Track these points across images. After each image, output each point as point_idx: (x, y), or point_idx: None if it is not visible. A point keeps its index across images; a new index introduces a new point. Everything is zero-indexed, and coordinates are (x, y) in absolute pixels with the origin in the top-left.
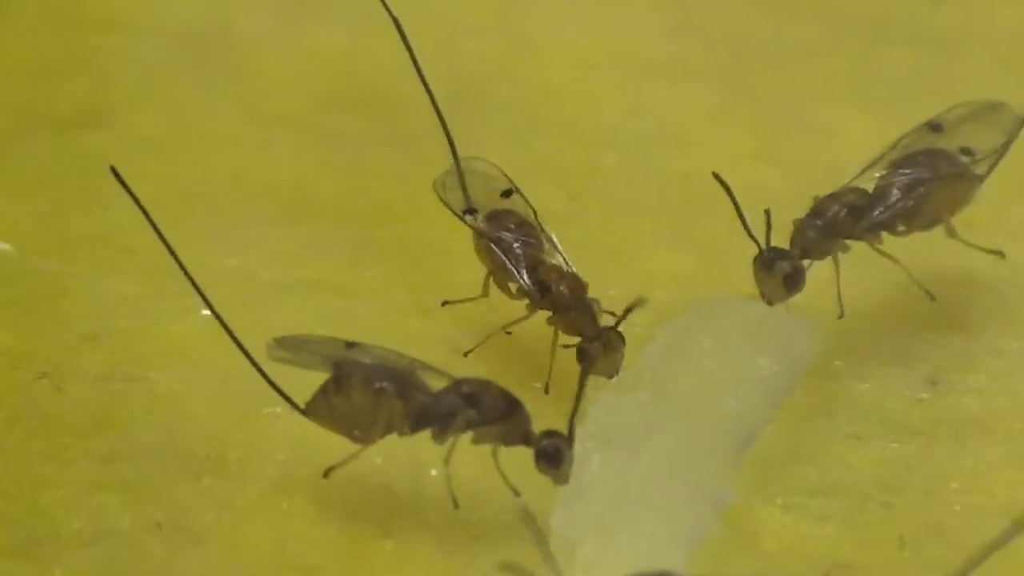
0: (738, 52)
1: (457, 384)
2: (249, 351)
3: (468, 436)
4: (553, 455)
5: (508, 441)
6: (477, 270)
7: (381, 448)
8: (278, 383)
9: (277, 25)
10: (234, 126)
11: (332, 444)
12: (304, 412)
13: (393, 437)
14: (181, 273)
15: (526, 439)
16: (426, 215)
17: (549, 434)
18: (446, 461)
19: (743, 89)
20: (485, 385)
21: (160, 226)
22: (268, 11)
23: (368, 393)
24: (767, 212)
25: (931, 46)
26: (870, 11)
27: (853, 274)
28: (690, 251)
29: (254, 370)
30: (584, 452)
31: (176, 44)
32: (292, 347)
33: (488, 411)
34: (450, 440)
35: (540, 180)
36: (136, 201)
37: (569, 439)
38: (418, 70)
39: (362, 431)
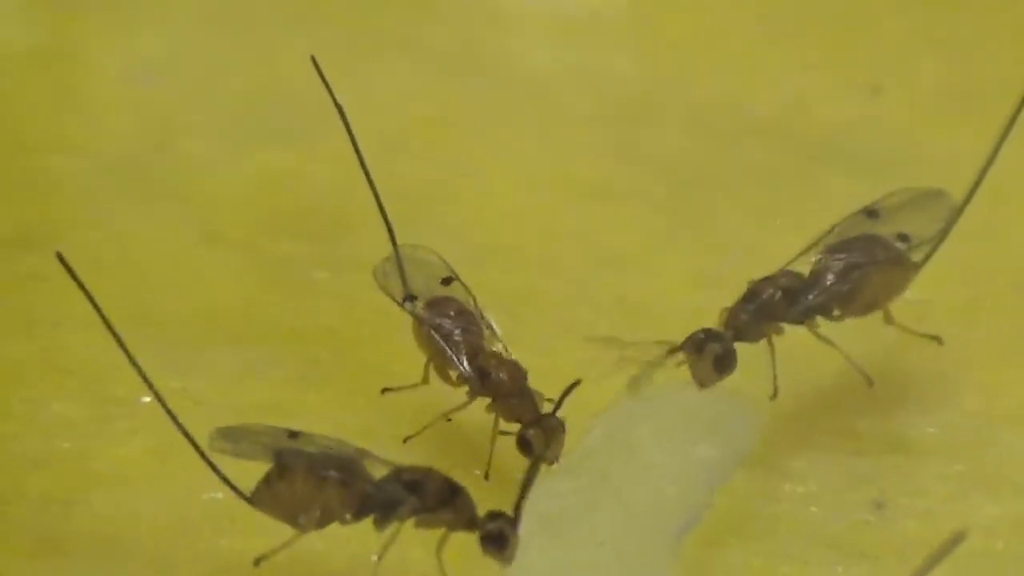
0: (677, 175)
1: (398, 472)
2: (193, 444)
3: (411, 522)
4: (498, 539)
5: (453, 527)
6: (423, 391)
7: (323, 534)
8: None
9: (220, 148)
10: (177, 248)
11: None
12: (249, 500)
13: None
14: (124, 396)
15: (470, 524)
16: (371, 338)
17: (493, 517)
18: (380, 555)
19: (682, 212)
20: (426, 473)
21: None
22: (211, 134)
23: (311, 481)
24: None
25: (870, 170)
26: (808, 134)
27: (795, 388)
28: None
29: (198, 492)
30: (526, 538)
31: (118, 165)
32: (234, 438)
33: (430, 498)
34: (391, 528)
35: (479, 302)
36: (81, 286)
37: (514, 521)
38: (359, 154)
39: (305, 519)
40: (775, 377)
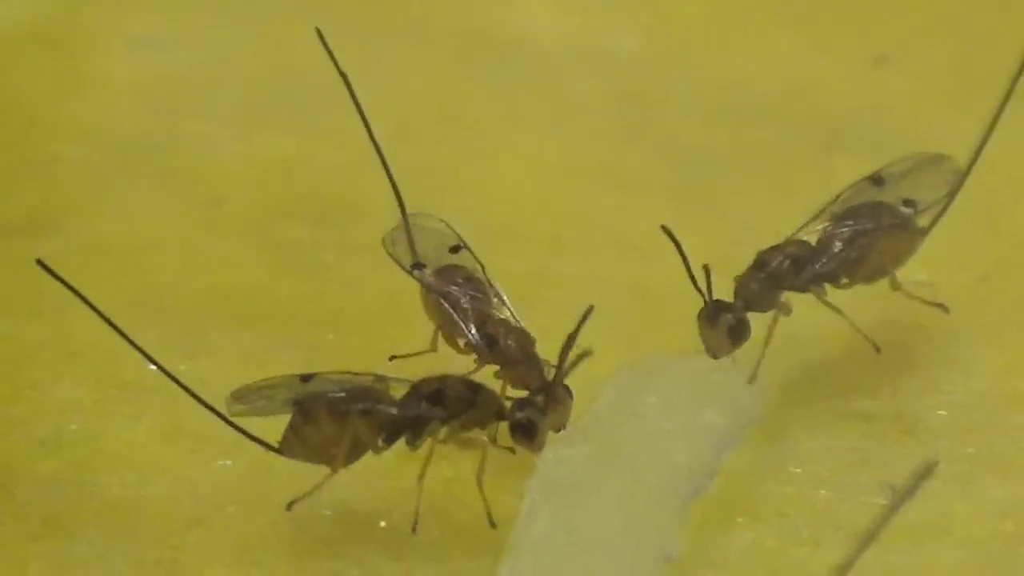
0: (690, 159)
1: (417, 388)
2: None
3: (443, 438)
4: (527, 427)
5: (484, 424)
6: (431, 359)
7: (330, 502)
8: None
9: (227, 130)
10: (184, 231)
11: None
12: (279, 451)
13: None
14: (132, 378)
15: (499, 415)
16: (378, 321)
17: (522, 405)
18: (420, 477)
19: (696, 196)
20: (443, 380)
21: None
22: (218, 118)
23: (335, 419)
24: (706, 268)
25: (879, 151)
26: (821, 119)
27: (804, 371)
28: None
29: (204, 471)
30: (532, 504)
31: (126, 150)
32: (248, 398)
33: (454, 403)
34: (426, 446)
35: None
36: (66, 284)
37: (543, 408)
38: (364, 120)
39: (338, 456)
40: (762, 357)
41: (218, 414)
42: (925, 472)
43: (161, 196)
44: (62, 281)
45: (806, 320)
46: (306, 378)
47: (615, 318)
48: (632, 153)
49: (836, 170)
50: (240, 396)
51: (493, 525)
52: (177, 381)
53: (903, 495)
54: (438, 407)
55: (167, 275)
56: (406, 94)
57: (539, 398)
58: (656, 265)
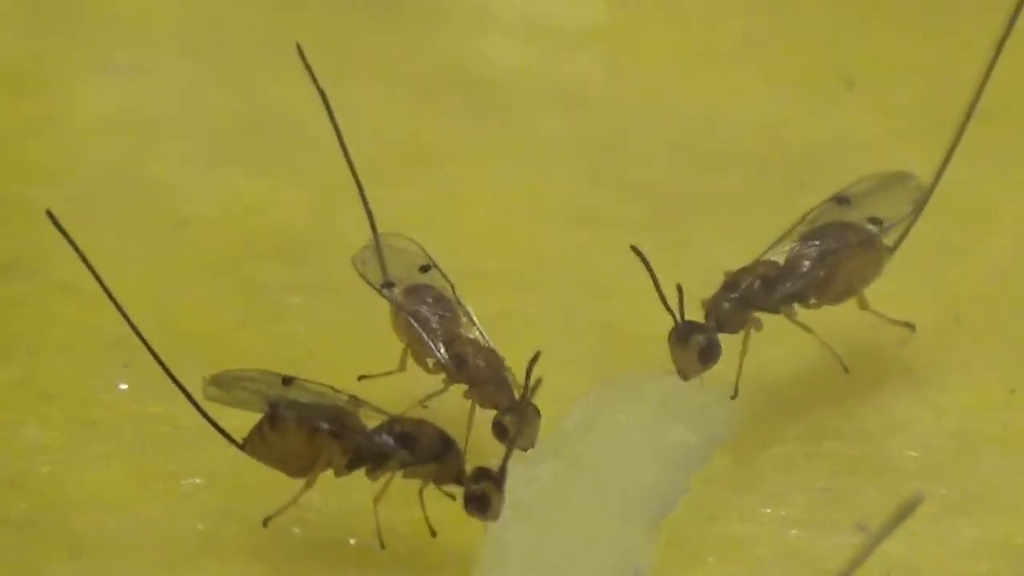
0: (657, 199)
1: (391, 424)
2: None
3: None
4: (480, 500)
5: (440, 480)
6: (400, 379)
7: (297, 519)
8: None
9: (199, 174)
10: (156, 274)
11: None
12: (242, 448)
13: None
14: (102, 419)
15: (456, 480)
16: (346, 363)
17: (478, 477)
18: (376, 500)
19: (662, 236)
20: (419, 425)
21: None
22: (190, 160)
23: (303, 432)
24: (679, 288)
25: None
26: (790, 159)
27: (775, 411)
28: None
29: (174, 510)
30: (502, 521)
31: (94, 191)
32: (226, 385)
33: (421, 451)
34: (384, 477)
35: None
36: (74, 246)
37: (499, 480)
38: (339, 136)
39: (298, 468)
40: (738, 376)
41: (190, 399)
42: (908, 507)
43: (129, 237)
44: (65, 234)
45: (776, 356)
46: (287, 380)
47: (582, 357)
48: (599, 193)
49: (804, 208)
50: (218, 381)
51: (433, 534)
52: (147, 346)
53: (885, 529)
54: (405, 449)
55: (136, 317)
56: (374, 133)
57: (496, 471)
58: (626, 306)
